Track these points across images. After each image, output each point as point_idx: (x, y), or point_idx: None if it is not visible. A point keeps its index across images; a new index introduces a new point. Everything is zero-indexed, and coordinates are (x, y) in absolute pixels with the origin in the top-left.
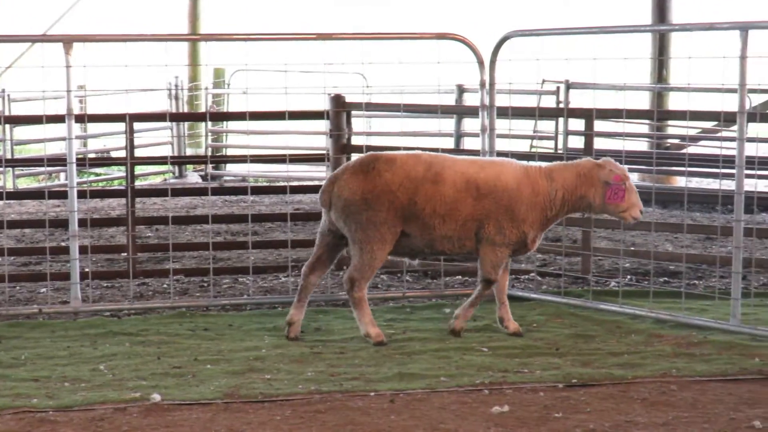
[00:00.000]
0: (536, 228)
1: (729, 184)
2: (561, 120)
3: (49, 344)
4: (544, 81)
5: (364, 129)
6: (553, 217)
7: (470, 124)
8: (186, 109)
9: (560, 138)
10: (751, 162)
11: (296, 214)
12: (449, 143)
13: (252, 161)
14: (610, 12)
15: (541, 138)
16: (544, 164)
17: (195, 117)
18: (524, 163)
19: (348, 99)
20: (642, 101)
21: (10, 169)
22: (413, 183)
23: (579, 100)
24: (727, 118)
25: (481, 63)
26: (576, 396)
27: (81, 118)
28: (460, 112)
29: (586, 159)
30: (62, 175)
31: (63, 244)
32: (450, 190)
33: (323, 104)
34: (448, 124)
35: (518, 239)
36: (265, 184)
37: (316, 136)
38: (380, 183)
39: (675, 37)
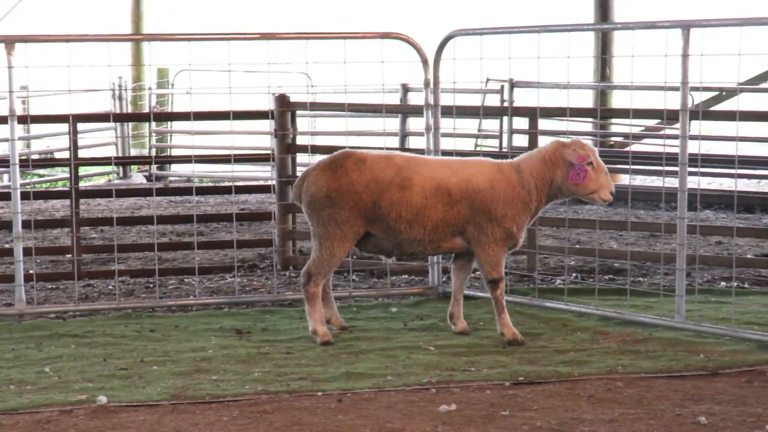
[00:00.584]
0: (521, 222)
1: (672, 182)
2: (505, 119)
3: None
4: (488, 80)
5: (308, 128)
6: (536, 208)
7: (415, 124)
8: (130, 110)
9: (504, 137)
10: (694, 159)
11: (241, 214)
12: (394, 142)
13: (197, 161)
14: (554, 11)
15: (485, 137)
16: (515, 159)
17: (139, 117)
18: (498, 161)
19: (292, 99)
20: (586, 99)
21: None
22: (380, 186)
23: (523, 98)
24: (669, 116)
25: (425, 62)
26: (523, 394)
27: (24, 119)
28: (404, 111)
29: (552, 140)
30: (5, 177)
31: (7, 245)
32: (418, 196)
33: (268, 104)
34: (392, 123)
35: (504, 236)
36: (210, 184)
37: (260, 136)
38: (346, 182)
39: (617, 35)
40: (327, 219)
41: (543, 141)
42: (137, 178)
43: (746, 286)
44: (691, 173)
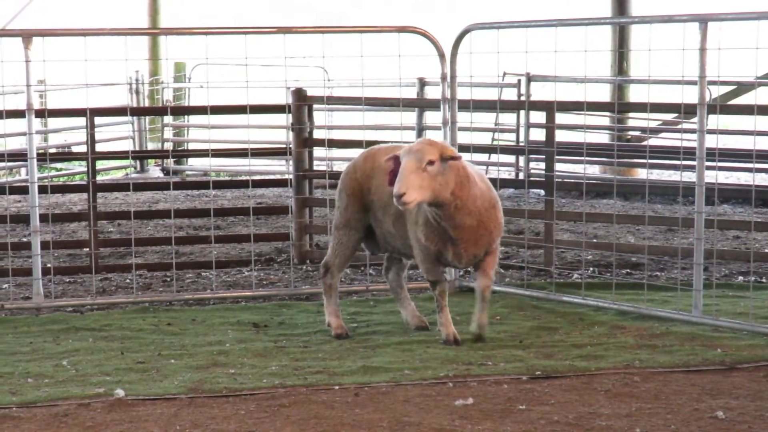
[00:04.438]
0: (430, 234)
1: (690, 176)
2: (522, 113)
3: (12, 340)
4: (505, 74)
5: (325, 122)
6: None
7: (432, 117)
8: (146, 104)
9: (521, 131)
10: (712, 154)
11: (258, 208)
12: (411, 136)
13: (213, 155)
14: (570, 5)
15: (502, 131)
16: None
17: (155, 111)
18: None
19: (309, 92)
20: (603, 93)
21: None
22: (374, 171)
23: (540, 92)
24: (687, 110)
25: (442, 56)
26: (540, 388)
27: (41, 113)
28: (421, 105)
29: None
30: (23, 171)
31: (24, 239)
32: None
33: (284, 98)
34: (409, 117)
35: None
36: (227, 178)
37: (277, 130)
38: (350, 170)
39: (635, 29)
40: (336, 209)
41: (560, 135)
42: (154, 172)
43: (764, 280)
44: (709, 167)
